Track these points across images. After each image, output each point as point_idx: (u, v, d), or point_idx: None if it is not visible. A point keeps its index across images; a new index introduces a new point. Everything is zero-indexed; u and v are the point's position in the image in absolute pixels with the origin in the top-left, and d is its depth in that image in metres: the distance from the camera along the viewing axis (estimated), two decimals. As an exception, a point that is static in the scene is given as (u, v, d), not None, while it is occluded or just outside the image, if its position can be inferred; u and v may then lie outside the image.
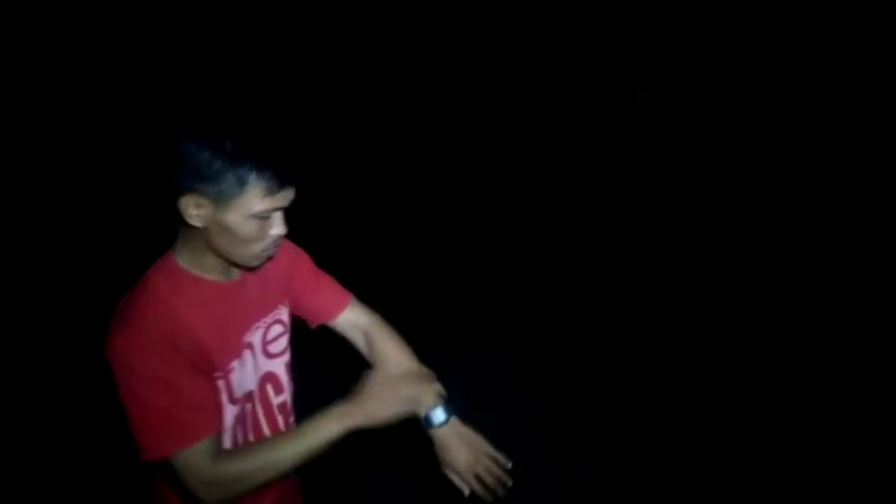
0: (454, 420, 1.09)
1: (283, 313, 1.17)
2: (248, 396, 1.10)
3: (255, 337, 1.10)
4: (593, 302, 4.14)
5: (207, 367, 0.98)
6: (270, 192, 0.91)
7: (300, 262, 1.22)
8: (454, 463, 1.06)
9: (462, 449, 1.07)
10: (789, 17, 5.66)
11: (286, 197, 0.95)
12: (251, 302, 1.09)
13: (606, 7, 6.31)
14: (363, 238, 5.07)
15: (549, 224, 5.40)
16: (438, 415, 1.07)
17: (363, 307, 1.26)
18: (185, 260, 1.01)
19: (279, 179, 0.91)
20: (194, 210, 0.92)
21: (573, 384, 3.29)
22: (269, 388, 1.14)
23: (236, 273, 1.07)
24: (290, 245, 1.21)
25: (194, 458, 0.91)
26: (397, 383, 1.06)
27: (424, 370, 1.16)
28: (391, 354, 1.20)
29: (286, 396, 1.19)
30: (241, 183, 0.89)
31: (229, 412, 1.04)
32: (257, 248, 0.97)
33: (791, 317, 3.76)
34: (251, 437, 1.10)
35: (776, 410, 2.98)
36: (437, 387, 1.11)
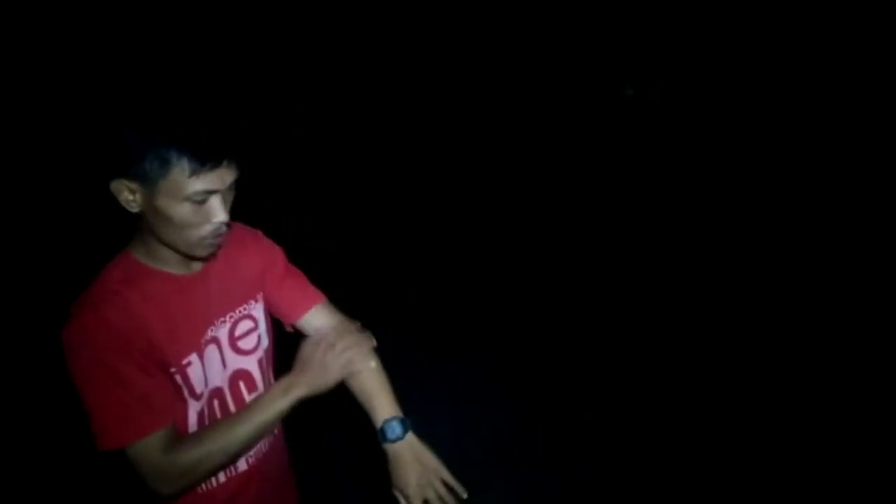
0: (411, 437, 1.05)
1: (255, 309, 1.13)
2: (217, 392, 1.07)
3: (220, 332, 1.07)
4: (592, 302, 4.14)
5: (160, 361, 0.96)
6: (195, 172, 0.86)
7: (273, 259, 1.17)
8: (404, 483, 1.02)
9: (415, 469, 1.02)
10: (786, 17, 5.67)
11: (220, 178, 0.89)
12: (214, 295, 1.06)
13: (599, 5, 6.32)
14: (363, 238, 5.08)
15: (548, 224, 5.39)
16: (395, 429, 1.04)
17: (335, 312, 1.18)
18: (140, 253, 0.99)
19: (202, 159, 0.86)
20: (129, 195, 0.90)
21: (573, 384, 3.29)
22: (242, 386, 1.12)
23: (197, 265, 1.04)
24: (266, 240, 1.19)
25: (147, 450, 0.91)
26: (332, 348, 1.05)
27: (355, 327, 1.12)
28: (354, 375, 1.13)
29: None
30: (164, 163, 0.85)
31: (191, 408, 1.02)
32: (196, 234, 0.92)
33: (789, 315, 3.76)
34: None
35: (775, 409, 2.98)
36: (371, 342, 1.11)
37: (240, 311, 1.10)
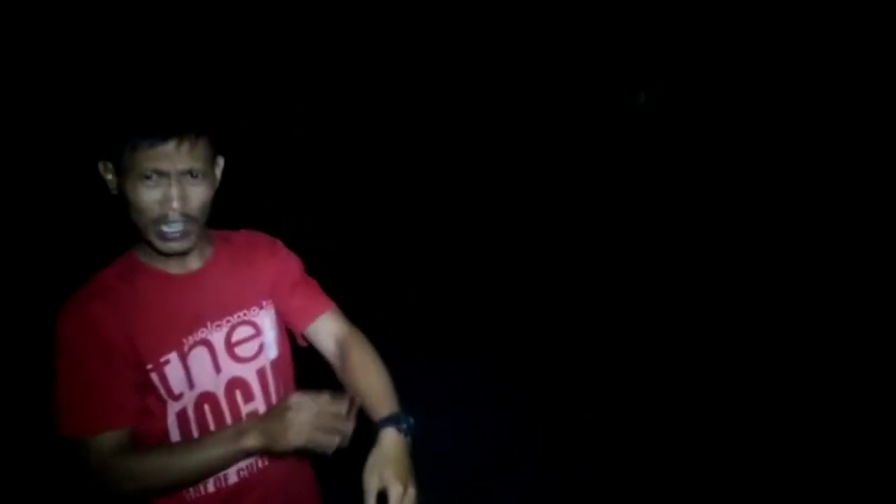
0: (409, 440, 0.97)
1: (258, 316, 1.10)
2: (208, 397, 1.05)
3: (215, 335, 1.05)
4: (592, 302, 4.14)
5: (138, 359, 0.97)
6: (137, 146, 0.89)
7: (288, 268, 1.16)
8: (389, 473, 0.90)
9: (400, 464, 0.92)
10: (786, 18, 5.66)
11: (168, 159, 0.90)
12: (209, 297, 1.05)
13: (603, 10, 6.32)
14: (364, 238, 5.07)
15: (548, 225, 5.39)
16: (412, 424, 0.98)
17: (344, 319, 1.16)
18: (141, 251, 1.03)
19: (143, 132, 0.89)
20: (108, 175, 0.96)
21: (573, 384, 3.29)
22: (238, 395, 1.08)
23: (195, 264, 1.05)
24: (284, 249, 1.18)
25: (94, 447, 0.92)
26: (303, 413, 0.93)
27: (342, 412, 0.95)
28: (361, 379, 1.07)
29: (258, 406, 1.11)
30: (118, 139, 0.90)
31: (170, 408, 1.01)
32: (146, 218, 0.94)
33: (788, 316, 3.76)
34: None
35: (775, 409, 2.98)
36: (346, 435, 0.94)
37: (238, 317, 1.08)
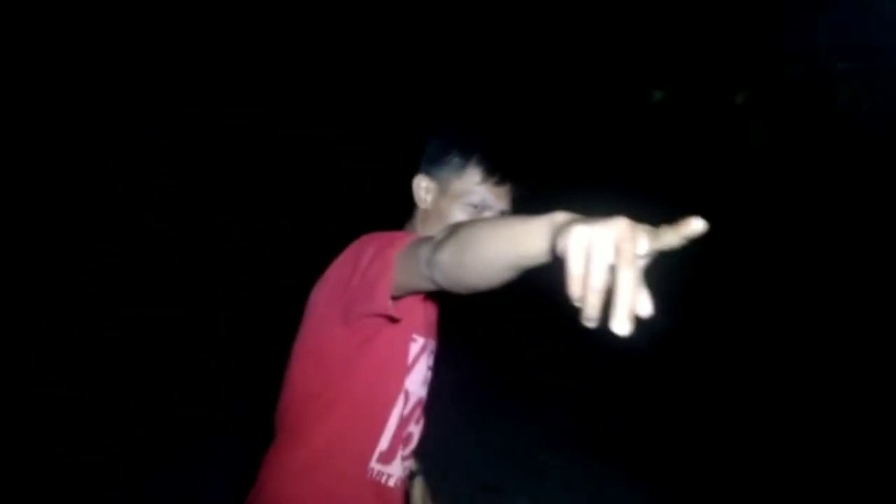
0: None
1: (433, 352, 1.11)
2: (413, 395, 1.05)
3: (428, 347, 1.06)
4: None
5: (411, 303, 0.96)
6: (486, 180, 0.99)
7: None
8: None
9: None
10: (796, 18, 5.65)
11: (499, 197, 1.01)
12: (433, 315, 1.10)
13: (621, 8, 6.30)
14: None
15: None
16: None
17: None
18: None
19: (497, 171, 0.99)
20: (423, 192, 1.04)
21: (574, 386, 3.29)
22: (417, 410, 1.08)
23: None
24: None
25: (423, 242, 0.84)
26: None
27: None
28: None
29: (413, 431, 1.08)
30: (462, 166, 1.00)
31: (407, 379, 1.03)
32: None
33: (795, 321, 3.75)
34: (407, 429, 1.07)
35: (775, 411, 2.98)
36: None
37: (434, 343, 1.10)
